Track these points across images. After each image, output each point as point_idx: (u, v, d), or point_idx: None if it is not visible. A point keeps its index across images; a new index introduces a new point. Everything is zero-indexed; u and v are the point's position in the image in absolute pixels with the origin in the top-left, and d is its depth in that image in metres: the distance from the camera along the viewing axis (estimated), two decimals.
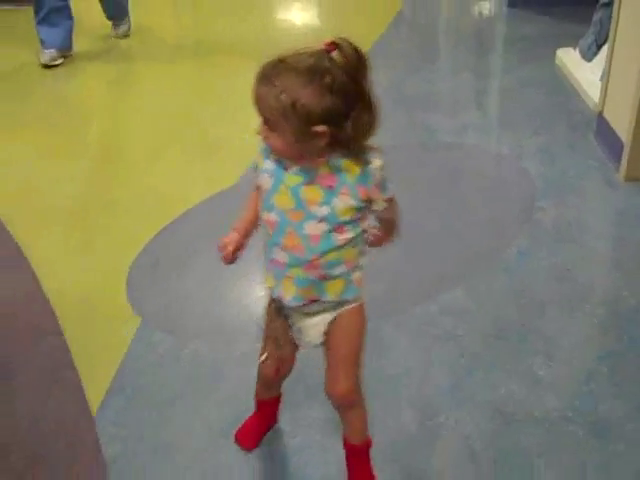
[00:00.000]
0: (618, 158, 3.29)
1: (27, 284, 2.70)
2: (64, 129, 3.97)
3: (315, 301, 1.68)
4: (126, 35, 5.16)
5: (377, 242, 1.75)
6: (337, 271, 1.64)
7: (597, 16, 4.12)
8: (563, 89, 4.20)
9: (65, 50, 4.72)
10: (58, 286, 2.67)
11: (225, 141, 3.72)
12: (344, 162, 1.55)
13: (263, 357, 1.85)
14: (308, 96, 1.45)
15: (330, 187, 1.56)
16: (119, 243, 2.95)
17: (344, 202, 1.57)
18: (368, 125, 1.51)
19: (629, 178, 3.24)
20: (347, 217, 1.59)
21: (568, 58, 4.38)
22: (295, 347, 1.85)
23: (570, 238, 2.93)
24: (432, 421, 2.13)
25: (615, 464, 1.99)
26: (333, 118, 1.47)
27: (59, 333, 2.45)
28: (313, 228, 1.58)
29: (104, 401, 2.21)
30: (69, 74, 4.65)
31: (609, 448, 2.04)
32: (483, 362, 2.33)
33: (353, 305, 1.73)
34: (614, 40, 3.39)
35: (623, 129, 3.25)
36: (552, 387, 2.24)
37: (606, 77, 3.46)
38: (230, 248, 1.72)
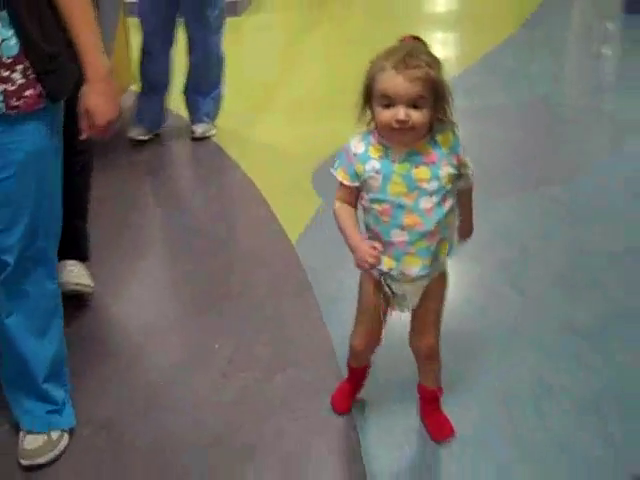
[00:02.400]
0: None
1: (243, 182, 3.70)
2: None
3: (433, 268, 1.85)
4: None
5: (464, 233, 1.96)
6: (446, 234, 1.83)
7: None
8: None
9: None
10: (266, 183, 3.64)
11: None
12: (439, 137, 1.75)
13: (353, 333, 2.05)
14: (442, 74, 1.70)
15: (433, 163, 1.74)
16: (310, 152, 3.89)
17: (446, 172, 1.75)
18: (451, 103, 1.73)
19: None
20: (450, 185, 1.77)
21: None
22: (383, 324, 1.98)
23: None
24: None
25: None
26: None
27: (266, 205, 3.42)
28: (427, 202, 1.75)
29: (299, 239, 3.13)
30: None
31: None
32: (564, 223, 3.14)
33: (441, 271, 1.91)
34: None
35: None
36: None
37: None
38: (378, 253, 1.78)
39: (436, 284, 1.90)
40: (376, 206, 1.77)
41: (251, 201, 3.51)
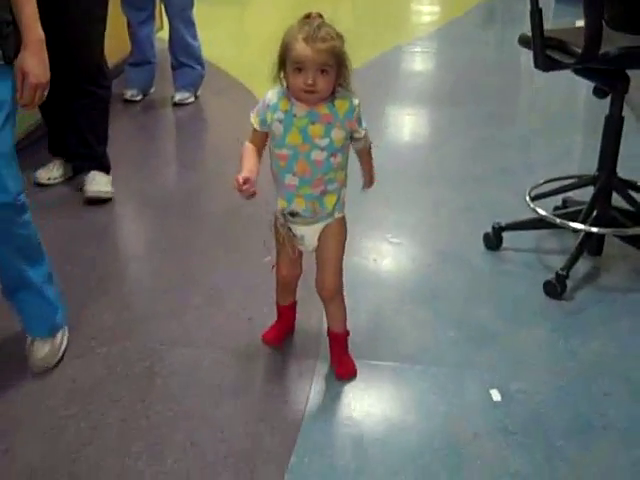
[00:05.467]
0: None
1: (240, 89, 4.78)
2: None
3: (317, 213, 2.06)
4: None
5: (368, 178, 2.18)
6: (332, 187, 2.03)
7: None
8: None
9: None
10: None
11: None
12: (337, 102, 1.95)
13: (273, 262, 2.22)
14: (344, 46, 1.91)
15: (329, 123, 1.95)
16: None
17: (338, 133, 1.96)
18: (351, 72, 1.94)
19: None
20: (340, 145, 1.98)
21: None
22: (300, 253, 2.19)
23: None
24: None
25: None
26: None
27: None
28: (317, 155, 1.97)
29: None
30: None
31: None
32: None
33: (338, 217, 2.10)
34: None
35: None
36: None
37: None
38: (250, 184, 1.93)
39: (332, 228, 2.10)
40: (277, 151, 2.00)
41: (246, 96, 4.58)
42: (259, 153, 2.03)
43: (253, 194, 1.94)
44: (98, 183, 3.35)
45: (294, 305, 2.39)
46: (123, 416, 2.12)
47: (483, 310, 2.61)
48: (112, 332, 2.49)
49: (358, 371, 2.28)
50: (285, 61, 1.90)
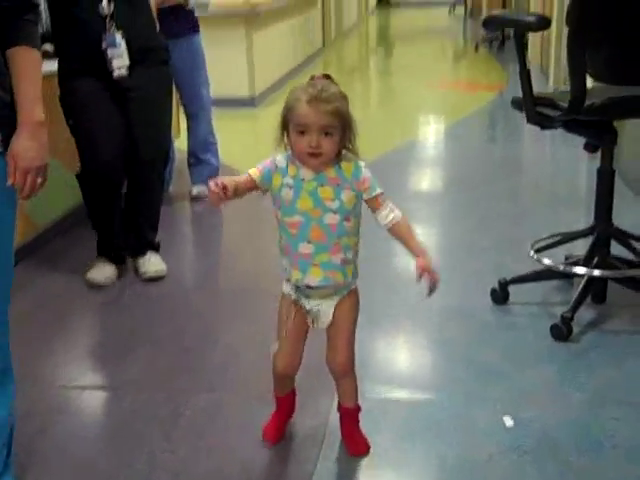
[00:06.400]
0: None
1: None
2: None
3: (339, 284, 1.97)
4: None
5: (431, 282, 1.92)
6: (349, 255, 1.96)
7: None
8: None
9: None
10: None
11: None
12: (343, 164, 1.89)
13: (274, 349, 2.09)
14: (348, 108, 1.87)
15: (337, 185, 1.89)
16: None
17: (348, 195, 1.90)
18: (355, 133, 1.89)
19: None
20: (351, 206, 1.91)
21: None
22: (303, 343, 2.08)
23: None
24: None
25: None
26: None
27: None
28: (331, 218, 1.90)
29: None
30: None
31: None
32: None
33: (353, 288, 2.03)
34: None
35: None
36: None
37: None
38: (225, 191, 1.84)
39: (347, 302, 2.02)
40: (287, 219, 1.92)
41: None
42: (244, 188, 1.92)
43: (221, 198, 1.85)
44: (154, 264, 3.49)
45: (294, 393, 2.24)
46: (150, 451, 2.21)
47: (491, 354, 2.71)
48: (138, 384, 2.60)
49: (372, 408, 2.32)
50: (288, 123, 1.86)
